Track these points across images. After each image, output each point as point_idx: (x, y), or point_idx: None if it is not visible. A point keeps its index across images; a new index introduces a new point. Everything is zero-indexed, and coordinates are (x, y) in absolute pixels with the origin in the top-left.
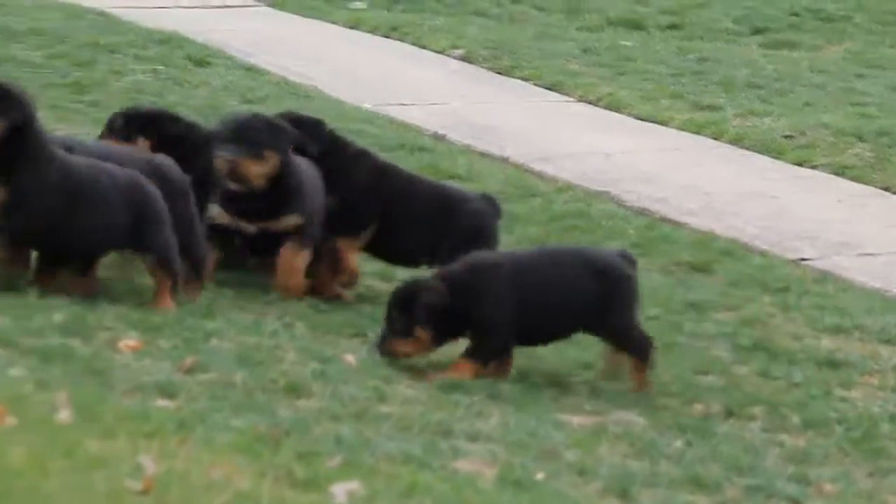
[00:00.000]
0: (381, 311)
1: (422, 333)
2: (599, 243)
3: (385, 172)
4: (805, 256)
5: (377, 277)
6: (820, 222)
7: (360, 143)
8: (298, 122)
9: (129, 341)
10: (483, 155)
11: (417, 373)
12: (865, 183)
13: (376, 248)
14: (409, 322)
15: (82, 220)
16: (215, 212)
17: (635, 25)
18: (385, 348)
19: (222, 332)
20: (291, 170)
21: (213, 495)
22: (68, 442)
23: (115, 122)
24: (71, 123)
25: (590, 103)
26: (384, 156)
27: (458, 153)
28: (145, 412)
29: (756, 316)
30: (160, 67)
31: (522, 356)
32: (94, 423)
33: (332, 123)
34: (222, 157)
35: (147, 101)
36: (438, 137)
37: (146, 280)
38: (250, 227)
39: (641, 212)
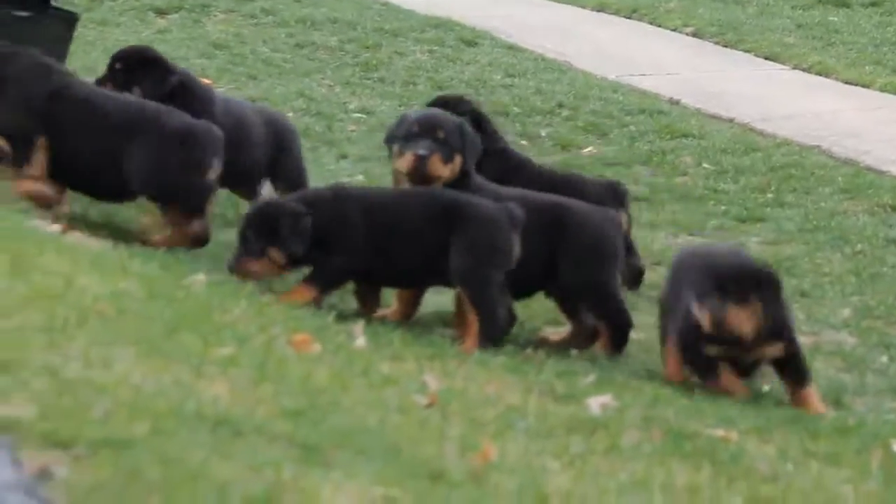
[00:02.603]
0: None
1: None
2: (812, 190)
3: None
4: None
5: None
6: None
7: (608, 109)
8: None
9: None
10: (712, 117)
11: (657, 302)
12: None
13: None
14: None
15: None
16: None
17: (841, 3)
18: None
19: None
20: None
21: (488, 408)
22: (364, 364)
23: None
24: (361, 97)
25: (803, 70)
26: (628, 119)
27: (690, 116)
28: (429, 338)
29: None
30: (435, 48)
31: None
32: (386, 348)
33: (583, 92)
34: None
35: (424, 78)
36: (674, 102)
37: None
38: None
39: (848, 162)
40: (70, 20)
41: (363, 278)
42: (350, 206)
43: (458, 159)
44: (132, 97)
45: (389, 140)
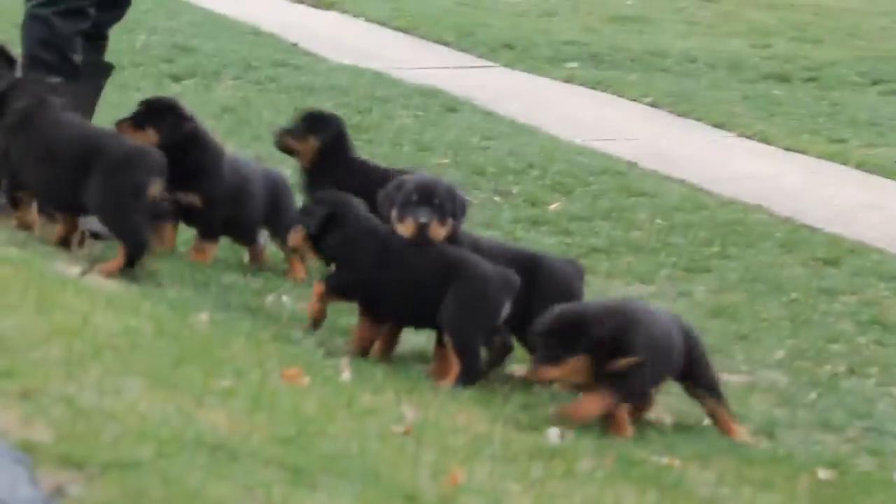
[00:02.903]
0: None
1: None
2: (753, 244)
3: None
4: None
5: None
6: None
7: (573, 169)
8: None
9: None
10: (665, 178)
11: None
12: None
13: None
14: None
15: None
16: None
17: (783, 79)
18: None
19: None
20: None
21: (458, 436)
22: (348, 396)
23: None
24: None
25: (747, 138)
26: (591, 179)
27: (646, 177)
28: (406, 373)
29: (873, 299)
30: (420, 113)
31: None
32: (368, 381)
33: (551, 154)
34: None
35: (409, 139)
36: (632, 164)
37: None
38: None
39: (787, 220)
40: (97, 87)
41: (363, 303)
42: (371, 241)
43: (450, 221)
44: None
45: (385, 204)
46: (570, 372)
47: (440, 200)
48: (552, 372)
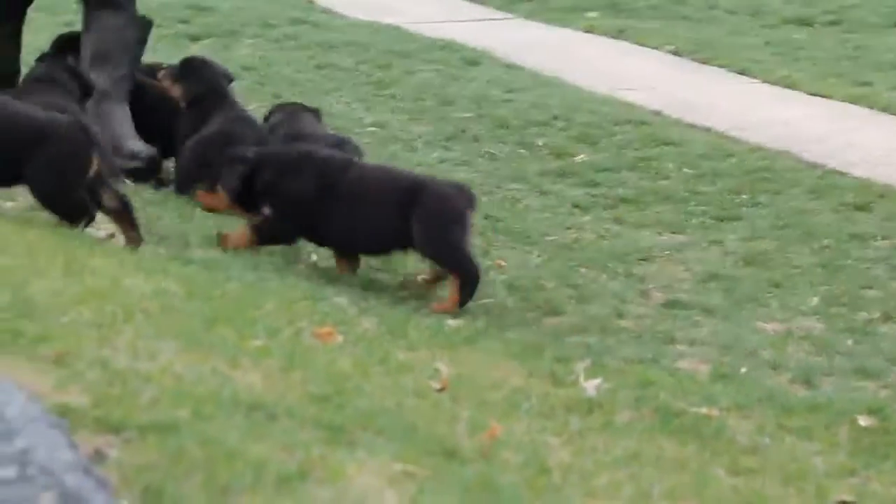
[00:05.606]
0: None
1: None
2: (783, 191)
3: None
4: None
5: None
6: None
7: (598, 120)
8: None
9: (426, 276)
10: (691, 126)
11: (644, 293)
12: None
13: None
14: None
15: None
16: None
17: (805, 22)
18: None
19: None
20: None
21: (494, 391)
22: (382, 353)
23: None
24: (374, 112)
25: (771, 83)
26: (616, 129)
27: (671, 125)
28: (440, 329)
29: None
30: (441, 67)
31: (723, 279)
32: (402, 338)
33: (575, 105)
34: None
35: (431, 94)
36: (656, 113)
37: None
38: None
39: (814, 165)
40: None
41: None
42: None
43: None
44: None
45: None
46: None
47: None
48: None
